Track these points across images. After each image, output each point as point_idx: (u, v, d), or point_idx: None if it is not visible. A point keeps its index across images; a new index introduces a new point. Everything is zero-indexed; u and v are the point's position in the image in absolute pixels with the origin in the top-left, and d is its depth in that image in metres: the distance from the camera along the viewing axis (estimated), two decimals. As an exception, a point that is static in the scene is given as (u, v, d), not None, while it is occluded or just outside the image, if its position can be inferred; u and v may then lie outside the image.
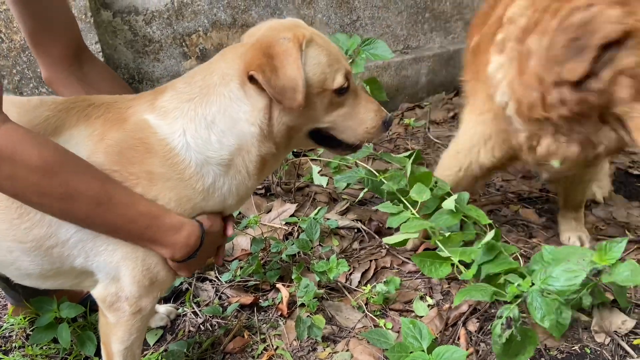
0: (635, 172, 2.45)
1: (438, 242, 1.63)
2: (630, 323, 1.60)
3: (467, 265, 1.59)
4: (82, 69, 1.39)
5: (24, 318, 1.68)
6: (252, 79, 1.06)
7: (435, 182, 1.87)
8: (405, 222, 1.68)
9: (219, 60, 1.14)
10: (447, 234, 1.67)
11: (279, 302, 1.76)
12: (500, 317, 1.37)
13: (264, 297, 1.81)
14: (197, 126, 1.09)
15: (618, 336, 1.57)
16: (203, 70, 1.14)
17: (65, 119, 1.09)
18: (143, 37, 2.53)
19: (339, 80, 1.12)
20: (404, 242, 1.71)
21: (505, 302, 1.44)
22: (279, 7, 2.75)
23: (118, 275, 1.13)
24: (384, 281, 1.79)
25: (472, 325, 1.66)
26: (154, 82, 2.62)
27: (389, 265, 1.96)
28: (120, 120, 1.09)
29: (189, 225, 1.11)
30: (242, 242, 2.03)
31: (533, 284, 1.39)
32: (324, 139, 1.23)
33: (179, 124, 1.09)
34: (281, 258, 1.93)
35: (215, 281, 1.90)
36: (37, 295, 1.56)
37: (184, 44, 2.62)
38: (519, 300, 1.41)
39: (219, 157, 1.10)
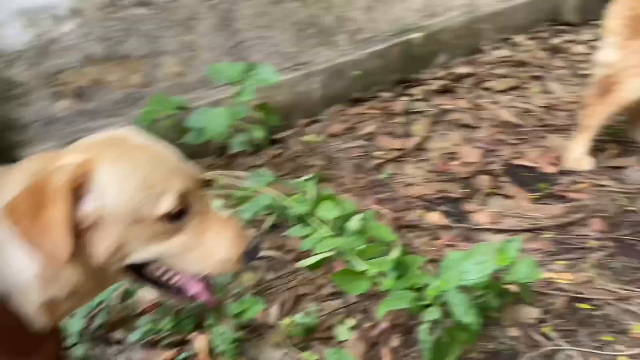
0: (519, 162, 2.62)
1: (351, 258, 1.62)
2: (535, 312, 1.70)
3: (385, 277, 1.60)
4: None
5: None
6: None
7: (342, 202, 1.87)
8: (319, 242, 1.67)
9: (17, 169, 0.94)
10: (360, 247, 1.67)
11: (196, 354, 1.65)
12: (424, 321, 1.39)
13: (180, 351, 1.68)
14: None
15: (530, 327, 1.65)
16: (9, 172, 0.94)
17: None
18: (4, 82, 2.26)
19: (165, 205, 0.91)
20: (321, 262, 1.68)
21: (427, 306, 1.46)
22: (157, 35, 2.61)
23: None
24: (304, 311, 1.75)
25: (395, 341, 1.66)
26: (24, 128, 2.36)
27: (307, 292, 1.92)
28: None
29: None
30: (146, 293, 1.87)
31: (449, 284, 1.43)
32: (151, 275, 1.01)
33: None
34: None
35: (121, 343, 1.73)
36: None
37: (54, 83, 2.39)
38: (439, 302, 1.44)
39: None
